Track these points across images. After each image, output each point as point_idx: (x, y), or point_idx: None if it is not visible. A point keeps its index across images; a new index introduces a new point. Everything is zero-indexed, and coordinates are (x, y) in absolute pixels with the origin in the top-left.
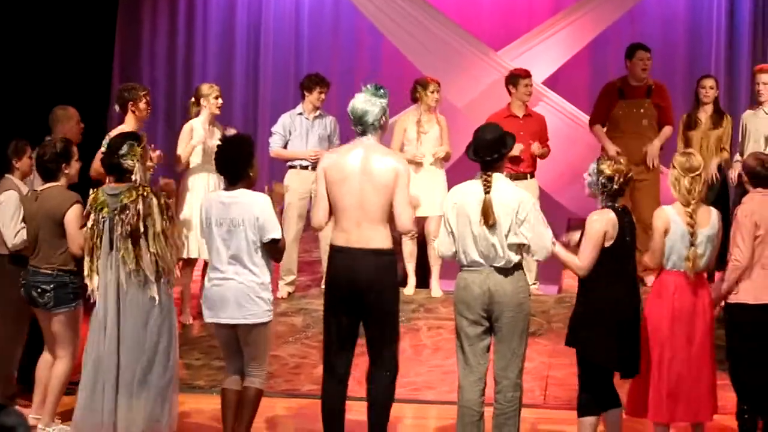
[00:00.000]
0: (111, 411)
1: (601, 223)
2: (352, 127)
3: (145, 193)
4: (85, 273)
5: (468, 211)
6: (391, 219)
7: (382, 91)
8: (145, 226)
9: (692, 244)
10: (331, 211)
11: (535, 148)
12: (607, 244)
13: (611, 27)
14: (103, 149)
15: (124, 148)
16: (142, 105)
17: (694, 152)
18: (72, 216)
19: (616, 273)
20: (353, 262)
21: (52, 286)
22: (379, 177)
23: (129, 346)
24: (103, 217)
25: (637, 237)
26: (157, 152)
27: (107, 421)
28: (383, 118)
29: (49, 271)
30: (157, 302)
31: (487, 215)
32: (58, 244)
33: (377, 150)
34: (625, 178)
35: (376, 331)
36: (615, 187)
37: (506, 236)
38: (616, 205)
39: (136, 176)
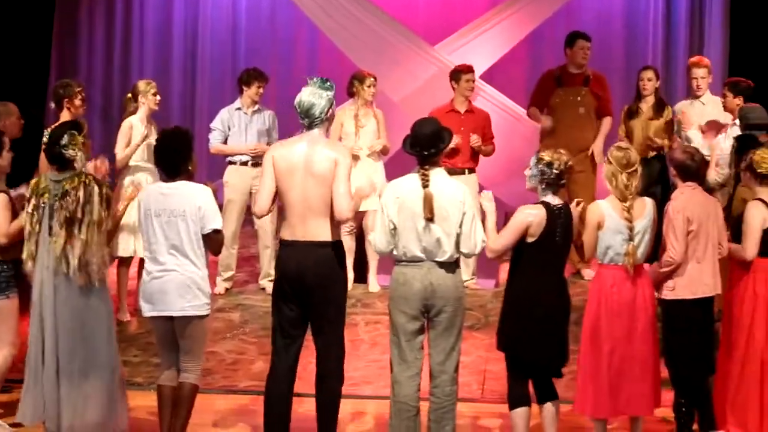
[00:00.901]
0: (54, 400)
1: (527, 216)
2: (300, 120)
3: (87, 181)
4: (24, 256)
5: (411, 206)
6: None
7: (328, 83)
8: (83, 213)
9: (630, 239)
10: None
11: (474, 139)
12: (530, 240)
13: (548, 21)
14: (45, 138)
15: (65, 138)
16: (77, 101)
17: (630, 147)
18: None
19: (539, 270)
20: (300, 255)
21: None
22: (320, 169)
23: (66, 335)
24: (43, 203)
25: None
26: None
27: (51, 409)
28: (330, 110)
29: None
30: (88, 290)
31: (427, 209)
32: None
33: (320, 142)
34: (564, 165)
35: (321, 322)
36: (554, 172)
37: (455, 230)
38: (554, 202)
39: (78, 165)
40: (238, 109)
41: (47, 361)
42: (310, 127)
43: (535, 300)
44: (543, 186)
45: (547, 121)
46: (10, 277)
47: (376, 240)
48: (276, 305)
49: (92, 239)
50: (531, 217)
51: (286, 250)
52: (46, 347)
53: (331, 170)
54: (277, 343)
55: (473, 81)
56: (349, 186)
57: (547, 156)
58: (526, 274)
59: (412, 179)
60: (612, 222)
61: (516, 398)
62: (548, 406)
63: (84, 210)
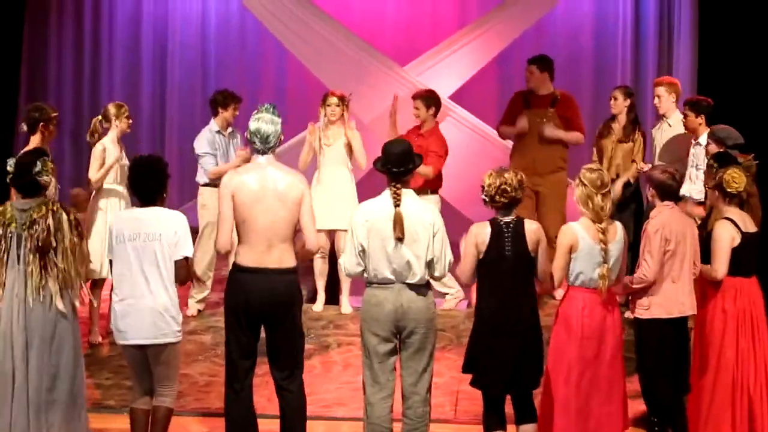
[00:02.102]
0: (24, 429)
1: (471, 235)
2: (257, 146)
3: (54, 209)
4: None
5: (381, 227)
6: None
7: (276, 110)
8: (55, 242)
9: (605, 261)
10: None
11: None
12: (480, 257)
13: (517, 41)
14: (9, 168)
15: (38, 165)
16: (51, 126)
17: (601, 168)
18: None
19: (493, 287)
20: (268, 282)
21: None
22: (289, 196)
23: (36, 363)
24: (11, 232)
25: (544, 251)
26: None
27: None
28: (282, 135)
29: None
30: (60, 318)
31: (398, 229)
32: None
33: (280, 169)
34: (497, 189)
35: (287, 346)
36: (501, 199)
37: (425, 252)
38: (504, 218)
39: (52, 191)
40: (218, 132)
41: (18, 391)
42: (264, 152)
43: (492, 319)
44: (494, 208)
45: (524, 122)
46: None
47: (346, 263)
48: (235, 332)
49: (70, 266)
50: (476, 235)
51: (250, 276)
52: (16, 378)
53: (299, 198)
54: (236, 369)
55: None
56: (314, 216)
57: (487, 179)
58: (483, 292)
59: (382, 201)
60: (585, 245)
61: (490, 422)
62: (525, 428)
63: (56, 238)
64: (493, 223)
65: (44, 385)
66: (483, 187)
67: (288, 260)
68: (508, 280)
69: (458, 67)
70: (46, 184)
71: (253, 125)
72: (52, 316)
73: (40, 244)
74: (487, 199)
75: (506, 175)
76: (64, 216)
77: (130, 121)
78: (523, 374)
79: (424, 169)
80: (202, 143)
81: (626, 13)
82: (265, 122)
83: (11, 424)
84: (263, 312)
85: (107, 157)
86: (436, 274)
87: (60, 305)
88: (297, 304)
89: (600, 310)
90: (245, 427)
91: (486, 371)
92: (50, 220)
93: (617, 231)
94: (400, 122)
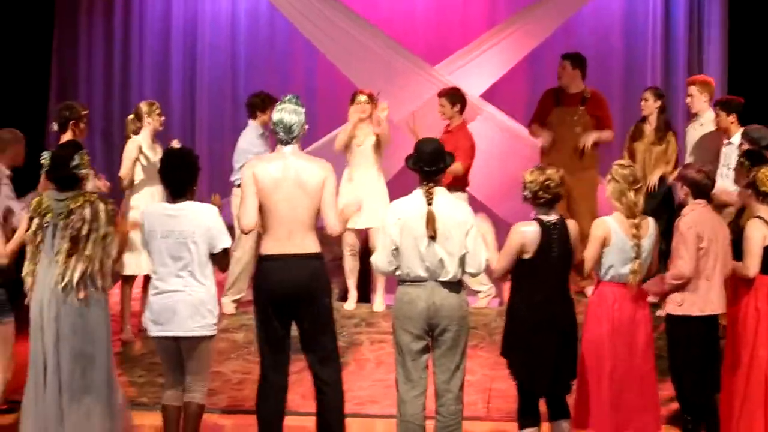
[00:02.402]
0: (57, 415)
1: (518, 234)
2: (280, 137)
3: (92, 199)
4: (23, 273)
5: (413, 225)
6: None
7: (300, 100)
8: (89, 231)
9: (636, 257)
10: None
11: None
12: (526, 257)
13: (547, 40)
14: (44, 161)
15: (76, 159)
16: (82, 124)
17: (632, 163)
18: None
19: (537, 287)
20: (292, 269)
21: None
22: (310, 183)
23: (67, 352)
24: (46, 222)
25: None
26: (103, 180)
27: (54, 425)
28: (305, 125)
29: None
30: (90, 306)
31: (430, 227)
32: None
33: (303, 157)
34: (541, 185)
35: (319, 333)
36: (533, 192)
37: (458, 250)
38: (548, 218)
39: (90, 183)
40: (261, 134)
41: (49, 379)
42: (288, 142)
43: (534, 317)
44: (536, 206)
45: (547, 136)
46: (6, 302)
47: (378, 260)
48: (264, 322)
49: (96, 255)
50: (524, 234)
51: (275, 264)
52: (48, 366)
53: (320, 184)
54: (268, 361)
55: (439, 104)
56: (336, 202)
57: (528, 176)
58: (525, 291)
59: (414, 199)
60: (618, 239)
61: (525, 418)
62: (559, 425)
63: (91, 227)
64: (541, 223)
65: (77, 373)
66: (524, 184)
67: (310, 246)
68: (552, 278)
69: (488, 67)
70: (84, 177)
71: (276, 116)
72: (83, 305)
73: (75, 233)
74: (529, 196)
75: (548, 172)
76: (101, 206)
77: (163, 119)
78: (561, 373)
79: (454, 167)
80: (256, 144)
81: (656, 11)
82: (288, 112)
83: (45, 410)
84: (288, 297)
85: (141, 154)
86: (473, 270)
87: (82, 294)
88: (322, 289)
89: (630, 305)
90: (275, 424)
91: (528, 369)
92: (87, 210)
93: (648, 226)
94: (427, 126)
